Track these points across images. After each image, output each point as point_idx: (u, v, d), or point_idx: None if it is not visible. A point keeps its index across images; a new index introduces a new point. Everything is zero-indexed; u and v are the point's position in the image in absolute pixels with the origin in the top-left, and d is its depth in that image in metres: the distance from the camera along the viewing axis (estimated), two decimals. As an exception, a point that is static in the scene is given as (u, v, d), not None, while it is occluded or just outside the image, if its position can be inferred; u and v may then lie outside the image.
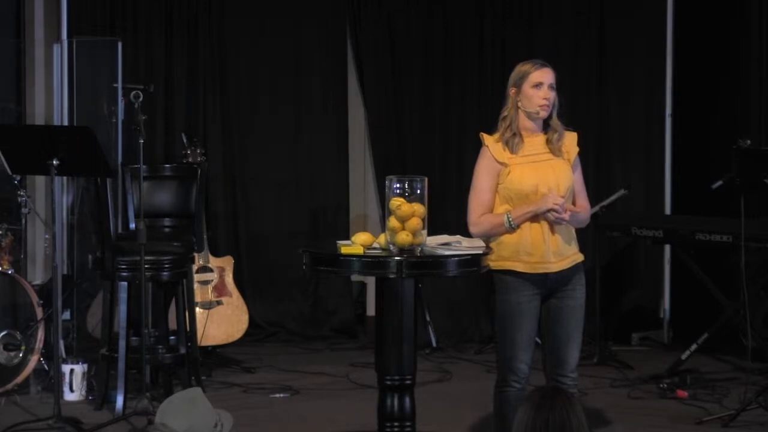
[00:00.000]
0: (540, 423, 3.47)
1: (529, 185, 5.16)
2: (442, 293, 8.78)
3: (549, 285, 5.21)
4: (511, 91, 5.27)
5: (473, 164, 9.21)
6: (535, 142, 5.25)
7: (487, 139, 5.31)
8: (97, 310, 7.54)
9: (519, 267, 5.16)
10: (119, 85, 8.02)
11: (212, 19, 8.86)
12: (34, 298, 7.20)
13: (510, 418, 5.13)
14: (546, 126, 5.28)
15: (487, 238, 5.21)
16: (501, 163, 5.22)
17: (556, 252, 5.17)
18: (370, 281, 8.36)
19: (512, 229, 5.15)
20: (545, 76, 5.23)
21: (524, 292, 5.17)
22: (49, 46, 8.41)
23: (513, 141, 5.23)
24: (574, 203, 5.30)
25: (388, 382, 4.97)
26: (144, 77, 8.47)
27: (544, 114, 5.22)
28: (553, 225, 5.15)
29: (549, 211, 5.09)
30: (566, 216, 5.11)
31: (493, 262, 5.14)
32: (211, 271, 7.99)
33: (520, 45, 8.95)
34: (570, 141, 5.28)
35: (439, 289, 8.75)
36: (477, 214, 5.23)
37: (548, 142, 5.24)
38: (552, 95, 5.22)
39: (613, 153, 8.97)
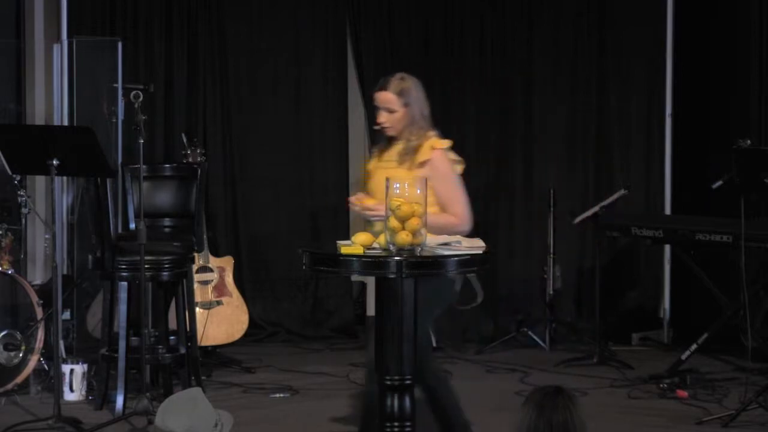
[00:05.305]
0: (542, 423, 3.46)
1: (370, 189, 5.42)
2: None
3: None
4: None
5: (473, 164, 9.27)
6: (393, 150, 5.42)
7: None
8: (97, 310, 7.54)
9: None
10: (119, 85, 8.01)
11: (212, 19, 8.87)
12: (34, 298, 7.20)
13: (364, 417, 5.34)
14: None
15: None
16: (369, 167, 5.50)
17: None
18: (370, 281, 8.36)
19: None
20: (379, 99, 5.39)
21: None
22: (49, 46, 8.41)
23: (385, 145, 5.46)
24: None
25: (388, 382, 4.97)
26: (144, 77, 8.47)
27: (386, 132, 5.40)
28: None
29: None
30: (357, 207, 5.27)
31: None
32: (211, 271, 7.99)
33: (520, 45, 8.96)
34: (423, 149, 5.37)
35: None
36: None
37: (399, 151, 5.39)
38: (389, 118, 5.35)
39: (614, 153, 8.97)
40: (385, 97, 5.35)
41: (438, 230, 5.22)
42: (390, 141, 5.43)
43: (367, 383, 5.43)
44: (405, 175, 5.26)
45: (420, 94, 5.38)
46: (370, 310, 8.86)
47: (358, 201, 5.31)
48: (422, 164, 5.32)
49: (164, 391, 6.95)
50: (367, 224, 5.37)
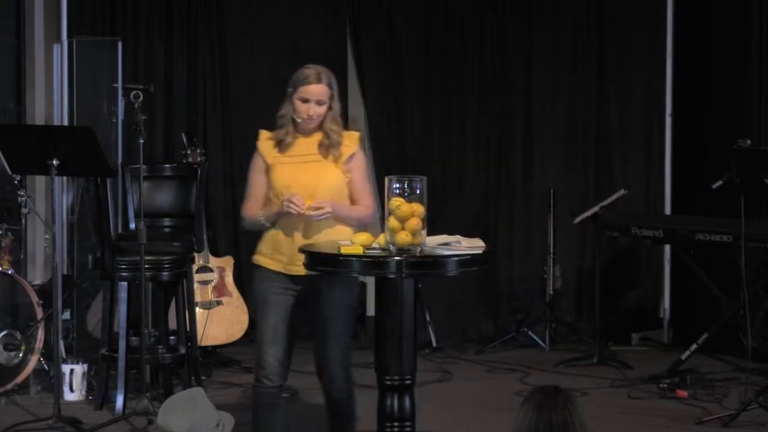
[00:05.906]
0: (543, 424, 3.46)
1: (282, 184, 5.26)
2: (442, 293, 8.78)
3: (304, 286, 5.25)
4: (289, 90, 5.33)
5: (473, 164, 9.28)
6: (307, 143, 5.32)
7: (261, 135, 5.45)
8: (97, 310, 7.54)
9: (272, 265, 5.30)
10: (119, 85, 8.02)
11: (212, 19, 8.86)
12: (34, 298, 7.20)
13: (261, 419, 5.37)
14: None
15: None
16: (266, 162, 5.36)
17: None
18: (370, 281, 8.35)
19: (265, 225, 5.31)
20: (314, 92, 5.27)
21: (274, 284, 5.29)
22: (49, 46, 8.41)
23: (285, 141, 5.34)
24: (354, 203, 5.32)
25: (388, 382, 4.97)
26: (144, 77, 8.47)
27: (309, 125, 5.30)
28: (310, 228, 5.20)
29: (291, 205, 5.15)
30: (303, 209, 5.12)
31: (255, 256, 5.39)
32: (211, 271, 7.99)
33: (520, 44, 8.95)
34: (347, 142, 5.32)
35: (439, 289, 8.75)
36: (246, 208, 5.39)
37: (320, 144, 5.30)
38: (319, 110, 5.27)
39: (613, 153, 8.97)
40: (321, 90, 5.27)
41: (357, 221, 5.25)
42: (295, 136, 5.32)
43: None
44: (335, 170, 5.26)
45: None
46: (370, 310, 8.86)
47: (301, 203, 5.15)
48: (351, 157, 5.30)
49: (164, 391, 6.95)
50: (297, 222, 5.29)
